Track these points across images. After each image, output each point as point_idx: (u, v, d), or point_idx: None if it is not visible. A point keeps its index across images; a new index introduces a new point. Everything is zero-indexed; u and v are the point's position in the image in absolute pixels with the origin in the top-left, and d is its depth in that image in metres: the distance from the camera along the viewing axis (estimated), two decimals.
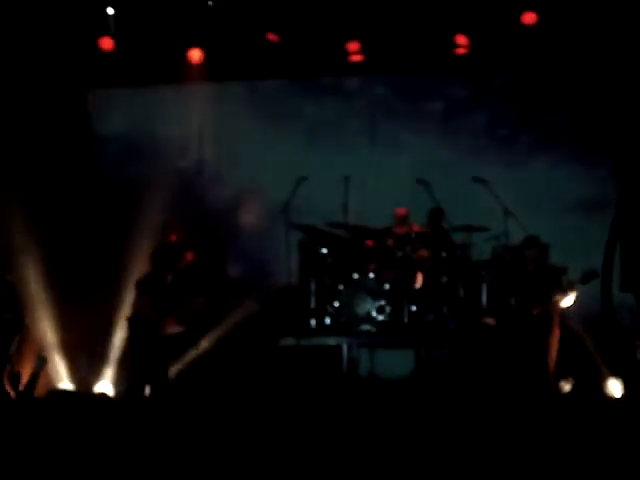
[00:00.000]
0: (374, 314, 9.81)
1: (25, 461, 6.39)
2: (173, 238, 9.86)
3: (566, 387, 8.89)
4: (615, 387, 9.09)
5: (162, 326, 8.67)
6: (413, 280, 9.82)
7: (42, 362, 8.85)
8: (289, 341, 9.71)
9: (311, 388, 8.95)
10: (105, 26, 10.65)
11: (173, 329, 8.79)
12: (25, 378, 8.64)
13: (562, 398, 8.56)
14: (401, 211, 10.28)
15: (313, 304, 10.07)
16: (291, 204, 10.07)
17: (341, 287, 9.95)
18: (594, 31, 10.09)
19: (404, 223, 10.21)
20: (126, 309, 9.05)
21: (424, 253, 9.96)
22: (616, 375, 9.11)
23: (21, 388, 8.53)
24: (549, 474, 6.11)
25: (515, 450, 6.41)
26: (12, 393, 8.40)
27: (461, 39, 10.46)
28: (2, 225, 9.69)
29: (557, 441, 6.64)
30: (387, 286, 9.86)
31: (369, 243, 10.14)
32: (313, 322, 10.04)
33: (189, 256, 9.57)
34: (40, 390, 8.78)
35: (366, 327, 9.83)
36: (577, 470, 6.13)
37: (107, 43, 10.67)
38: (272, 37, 10.64)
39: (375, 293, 9.83)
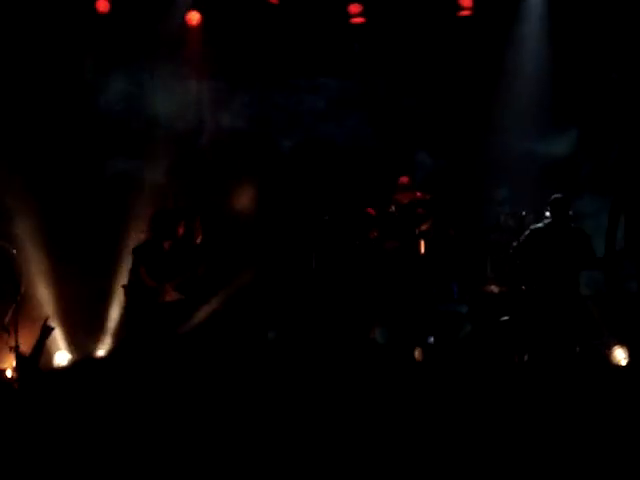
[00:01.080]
0: None
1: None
2: (171, 205, 9.72)
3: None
4: (621, 355, 9.03)
5: (160, 294, 8.59)
6: (417, 248, 9.69)
7: (48, 331, 8.76)
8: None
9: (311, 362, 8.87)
10: None
11: (171, 296, 8.71)
12: (23, 347, 8.56)
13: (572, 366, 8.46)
14: (403, 179, 10.14)
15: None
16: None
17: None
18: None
19: (407, 190, 10.06)
20: (123, 277, 8.94)
21: (427, 222, 9.84)
22: (622, 343, 9.04)
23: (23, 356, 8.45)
24: (553, 442, 6.02)
25: (522, 421, 6.34)
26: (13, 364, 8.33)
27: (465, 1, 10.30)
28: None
29: (563, 411, 6.56)
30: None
31: (371, 211, 10.01)
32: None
33: (187, 225, 9.42)
34: (44, 359, 8.72)
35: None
36: (582, 439, 6.04)
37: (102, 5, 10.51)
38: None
39: None
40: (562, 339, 8.47)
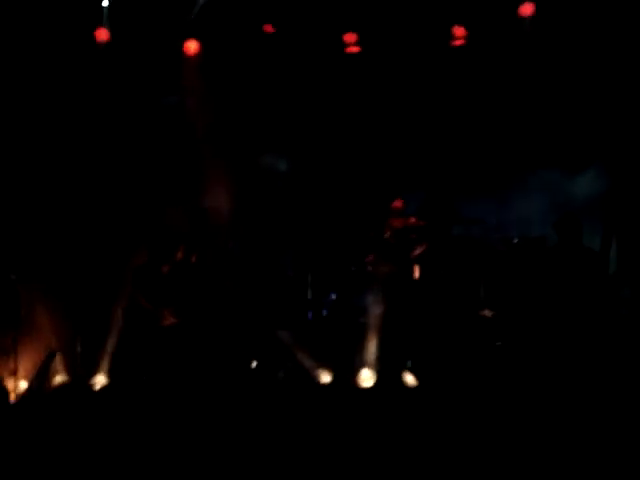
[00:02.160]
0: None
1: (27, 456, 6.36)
2: (170, 229, 9.77)
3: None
4: None
5: (158, 318, 8.62)
6: (411, 273, 9.75)
7: (52, 357, 8.79)
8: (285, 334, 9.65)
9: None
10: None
11: (169, 321, 8.75)
12: (23, 374, 8.59)
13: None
14: (397, 204, 10.22)
15: (310, 296, 10.00)
16: None
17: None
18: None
19: (401, 216, 10.15)
20: (123, 301, 8.98)
21: (421, 246, 9.90)
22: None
23: (25, 383, 8.48)
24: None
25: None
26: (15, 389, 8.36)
27: (459, 30, 10.40)
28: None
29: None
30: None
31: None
32: (310, 314, 9.98)
33: (185, 251, 9.49)
34: (48, 385, 8.74)
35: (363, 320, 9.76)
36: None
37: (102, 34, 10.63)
38: (268, 29, 10.59)
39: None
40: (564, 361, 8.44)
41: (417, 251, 9.84)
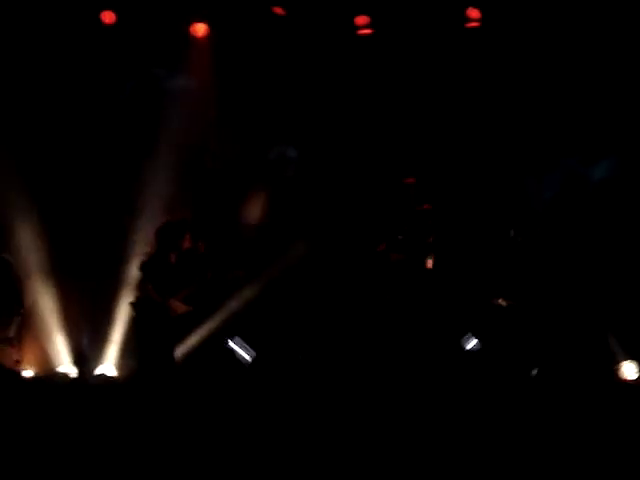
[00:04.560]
0: None
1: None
2: (176, 217, 9.64)
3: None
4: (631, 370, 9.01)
5: (169, 308, 8.54)
6: (424, 262, 9.64)
7: None
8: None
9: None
10: None
11: (180, 309, 8.67)
12: (27, 363, 8.54)
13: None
14: (410, 180, 10.11)
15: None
16: None
17: None
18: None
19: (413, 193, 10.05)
20: (130, 290, 8.87)
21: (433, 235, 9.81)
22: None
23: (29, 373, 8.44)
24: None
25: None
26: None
27: (473, 12, 10.25)
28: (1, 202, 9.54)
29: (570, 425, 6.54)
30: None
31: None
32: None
33: (192, 239, 9.36)
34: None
35: None
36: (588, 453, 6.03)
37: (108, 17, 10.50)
38: (279, 11, 10.43)
39: None
40: (572, 353, 8.44)
41: (430, 239, 9.71)
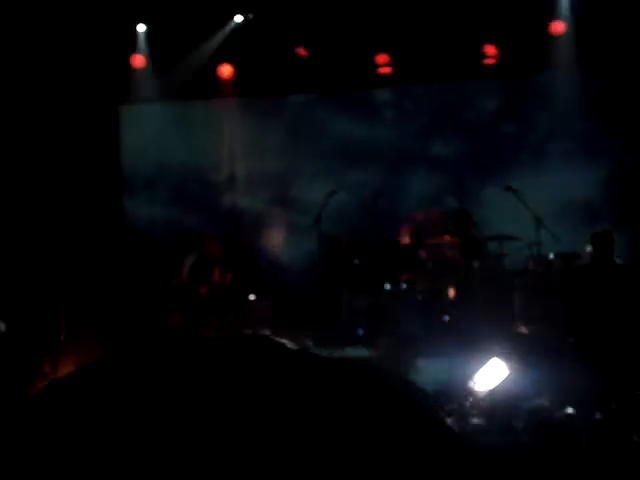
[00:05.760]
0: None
1: None
2: (208, 251, 9.87)
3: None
4: None
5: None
6: (446, 291, 9.76)
7: None
8: (322, 352, 9.64)
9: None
10: (135, 43, 10.78)
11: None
12: None
13: None
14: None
15: (345, 315, 10.05)
16: (322, 216, 10.08)
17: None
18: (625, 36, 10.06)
19: (435, 232, 10.16)
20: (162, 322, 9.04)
21: (456, 262, 9.90)
22: None
23: None
24: None
25: None
26: None
27: (490, 49, 10.43)
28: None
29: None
30: (420, 297, 9.81)
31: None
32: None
33: (222, 272, 9.56)
34: None
35: None
36: None
37: (138, 60, 10.79)
38: (302, 52, 10.70)
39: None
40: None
41: (451, 270, 9.85)
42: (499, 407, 8.43)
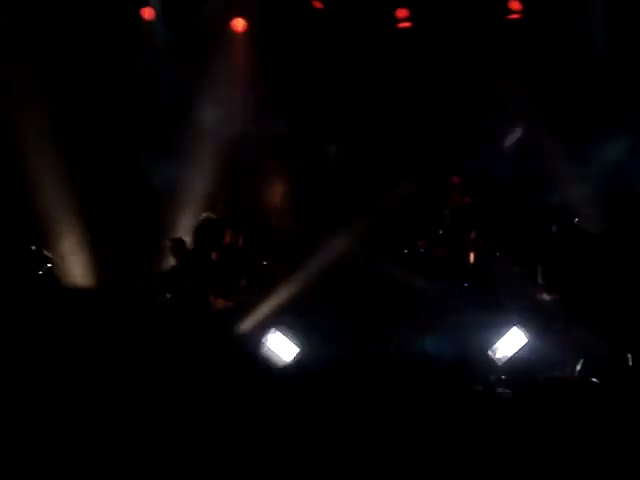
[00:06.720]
0: None
1: None
2: (217, 214, 9.63)
3: None
4: None
5: (208, 303, 8.54)
6: (466, 257, 9.56)
7: None
8: None
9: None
10: None
11: (220, 305, 8.67)
12: None
13: None
14: (456, 179, 10.03)
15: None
16: None
17: None
18: None
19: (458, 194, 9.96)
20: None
21: (475, 230, 9.72)
22: None
23: None
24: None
25: None
26: None
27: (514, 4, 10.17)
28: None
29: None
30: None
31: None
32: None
33: (232, 234, 9.34)
34: None
35: None
36: None
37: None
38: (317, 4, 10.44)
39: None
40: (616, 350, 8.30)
41: (472, 235, 9.63)
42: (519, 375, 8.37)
